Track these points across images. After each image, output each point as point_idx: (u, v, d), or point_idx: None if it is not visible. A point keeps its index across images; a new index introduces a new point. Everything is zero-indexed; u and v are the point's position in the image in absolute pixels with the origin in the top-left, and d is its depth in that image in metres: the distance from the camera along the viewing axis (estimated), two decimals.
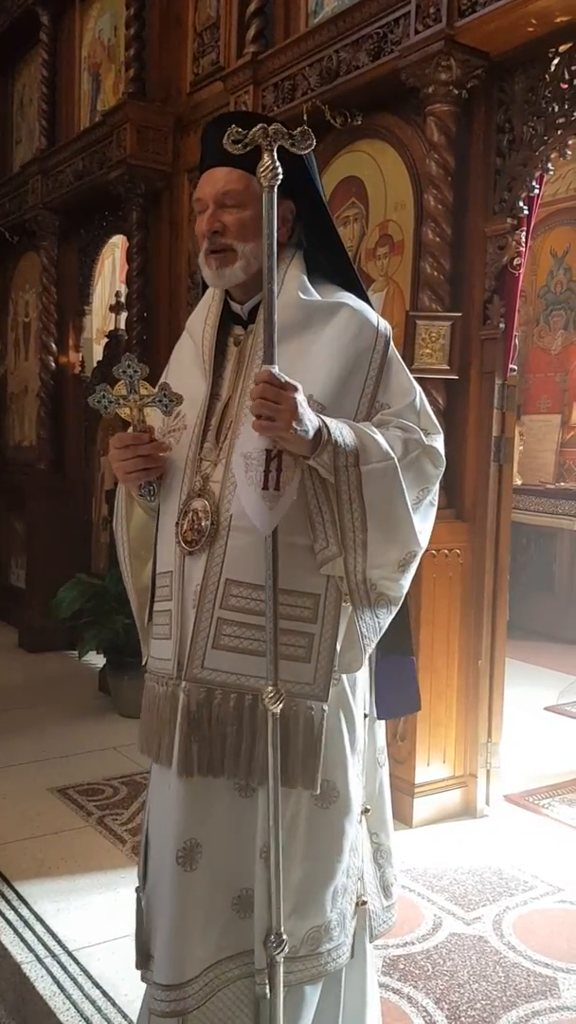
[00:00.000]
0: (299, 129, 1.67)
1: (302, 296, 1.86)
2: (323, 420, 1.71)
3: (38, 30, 6.60)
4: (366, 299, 1.96)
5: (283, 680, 1.73)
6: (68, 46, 6.52)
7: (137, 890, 1.92)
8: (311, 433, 1.68)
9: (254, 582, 1.76)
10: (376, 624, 1.83)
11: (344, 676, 1.86)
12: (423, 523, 1.85)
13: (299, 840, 1.82)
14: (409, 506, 1.79)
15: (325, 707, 1.80)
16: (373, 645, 1.84)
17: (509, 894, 3.19)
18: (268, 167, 1.65)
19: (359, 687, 1.92)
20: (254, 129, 1.65)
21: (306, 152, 1.69)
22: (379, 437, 1.77)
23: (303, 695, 1.78)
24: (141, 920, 1.90)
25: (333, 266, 1.96)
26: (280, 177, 1.66)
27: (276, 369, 1.66)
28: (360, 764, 1.93)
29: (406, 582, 1.86)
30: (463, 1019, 2.49)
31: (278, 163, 1.66)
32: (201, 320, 2.01)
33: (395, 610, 1.86)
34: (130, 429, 1.87)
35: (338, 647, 1.82)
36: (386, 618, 1.85)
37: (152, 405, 1.85)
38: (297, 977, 1.82)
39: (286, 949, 1.75)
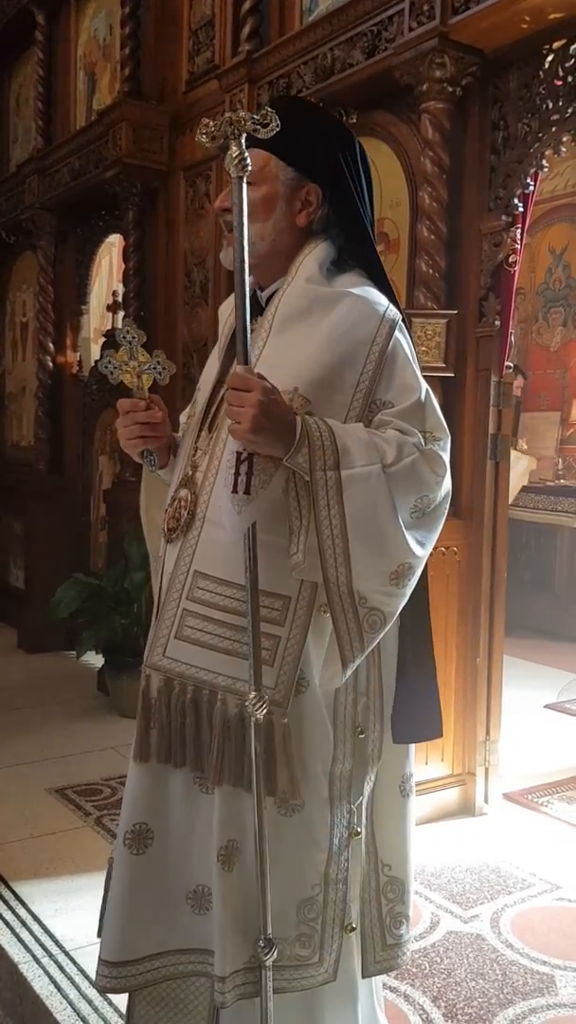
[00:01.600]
0: (260, 112, 1.63)
1: (307, 284, 1.81)
2: (304, 419, 1.65)
3: (33, 29, 6.58)
4: (391, 292, 1.87)
5: (242, 680, 1.70)
6: (64, 45, 6.51)
7: (110, 860, 1.93)
8: (282, 433, 1.62)
9: (221, 577, 1.74)
10: (361, 637, 1.71)
11: (318, 687, 1.78)
12: (425, 533, 1.75)
13: (249, 845, 1.75)
14: (399, 515, 1.68)
15: (285, 715, 1.72)
16: (358, 661, 1.74)
17: (507, 892, 3.19)
18: (235, 157, 1.62)
19: (343, 699, 1.83)
20: (220, 120, 1.62)
21: (269, 135, 1.63)
22: (368, 440, 1.69)
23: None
24: (107, 890, 1.92)
25: (359, 257, 1.88)
26: (248, 167, 1.62)
27: (244, 369, 1.62)
28: (347, 782, 1.84)
29: (403, 596, 1.75)
30: (460, 1017, 2.49)
31: (246, 153, 1.62)
32: (229, 306, 1.98)
33: (388, 626, 1.76)
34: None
35: (313, 655, 1.77)
36: (376, 634, 1.73)
37: (147, 372, 1.86)
38: (254, 989, 1.76)
39: (275, 954, 1.73)
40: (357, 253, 1.88)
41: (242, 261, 1.62)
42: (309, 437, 1.64)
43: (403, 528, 1.69)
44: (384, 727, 1.90)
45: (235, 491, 1.63)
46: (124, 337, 1.85)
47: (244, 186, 1.63)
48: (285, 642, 1.72)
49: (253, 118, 1.62)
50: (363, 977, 1.93)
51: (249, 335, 1.64)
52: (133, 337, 1.85)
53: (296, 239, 1.87)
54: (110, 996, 2.52)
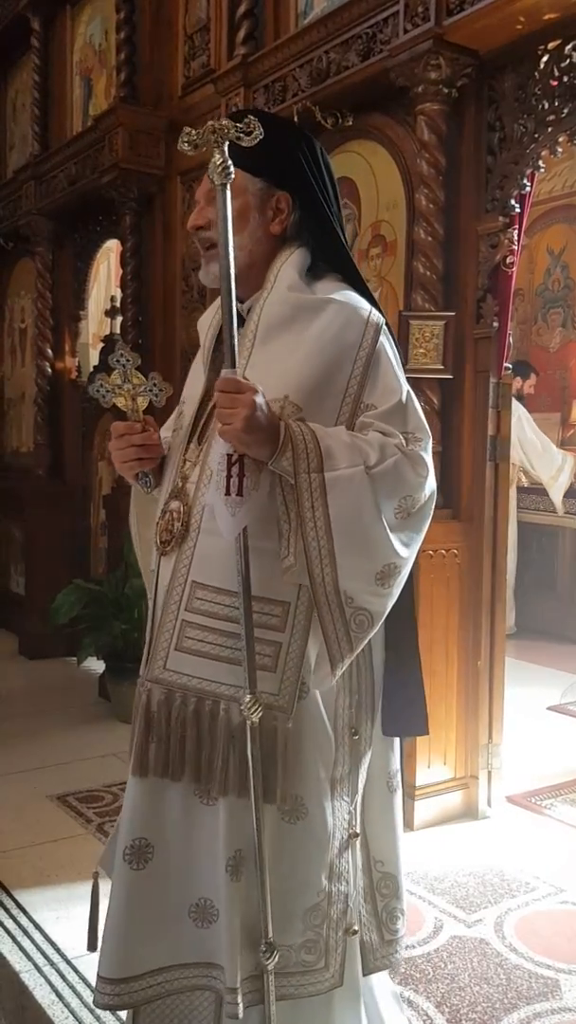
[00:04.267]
0: (244, 120, 1.64)
1: (288, 293, 1.82)
2: (286, 423, 1.68)
3: (29, 36, 6.58)
4: (369, 294, 1.90)
5: (245, 688, 1.70)
6: (59, 51, 6.51)
7: (95, 873, 1.94)
8: (270, 436, 1.64)
9: (219, 586, 1.74)
10: (349, 637, 1.73)
11: (317, 691, 1.79)
12: (410, 533, 1.76)
13: (264, 853, 1.75)
14: (383, 515, 1.70)
15: (290, 720, 1.74)
16: (347, 662, 1.75)
17: (511, 896, 3.18)
18: (218, 165, 1.63)
19: (340, 701, 1.84)
20: (203, 127, 1.63)
21: (253, 143, 1.64)
22: (350, 443, 1.71)
23: (267, 705, 1.72)
24: (95, 901, 1.94)
25: (334, 260, 1.91)
26: (231, 175, 1.63)
27: (236, 374, 1.63)
28: (346, 784, 1.85)
29: (389, 595, 1.76)
30: (464, 1022, 2.47)
31: (229, 161, 1.63)
32: (208, 319, 2.01)
33: (376, 626, 1.77)
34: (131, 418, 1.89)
35: (313, 659, 1.77)
36: (364, 633, 1.75)
37: (143, 394, 1.86)
38: (262, 995, 1.77)
39: (277, 958, 1.73)
40: (330, 257, 1.91)
41: (228, 268, 1.64)
42: (292, 441, 1.66)
43: (387, 528, 1.71)
44: (373, 724, 1.91)
45: (228, 493, 1.64)
46: (118, 360, 1.85)
47: (228, 193, 1.65)
48: (287, 648, 1.74)
49: (236, 126, 1.64)
50: (364, 975, 1.93)
51: (236, 342, 1.65)
52: (128, 360, 1.85)
53: (271, 248, 1.89)
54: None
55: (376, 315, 1.83)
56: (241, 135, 1.63)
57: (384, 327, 1.84)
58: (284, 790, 1.74)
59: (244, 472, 1.65)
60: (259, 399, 1.63)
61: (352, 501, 1.68)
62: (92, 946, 1.97)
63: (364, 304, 1.84)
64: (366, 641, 1.77)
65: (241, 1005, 1.73)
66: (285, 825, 1.78)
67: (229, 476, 1.64)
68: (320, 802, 1.80)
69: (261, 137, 1.65)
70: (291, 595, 1.74)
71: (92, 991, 2.54)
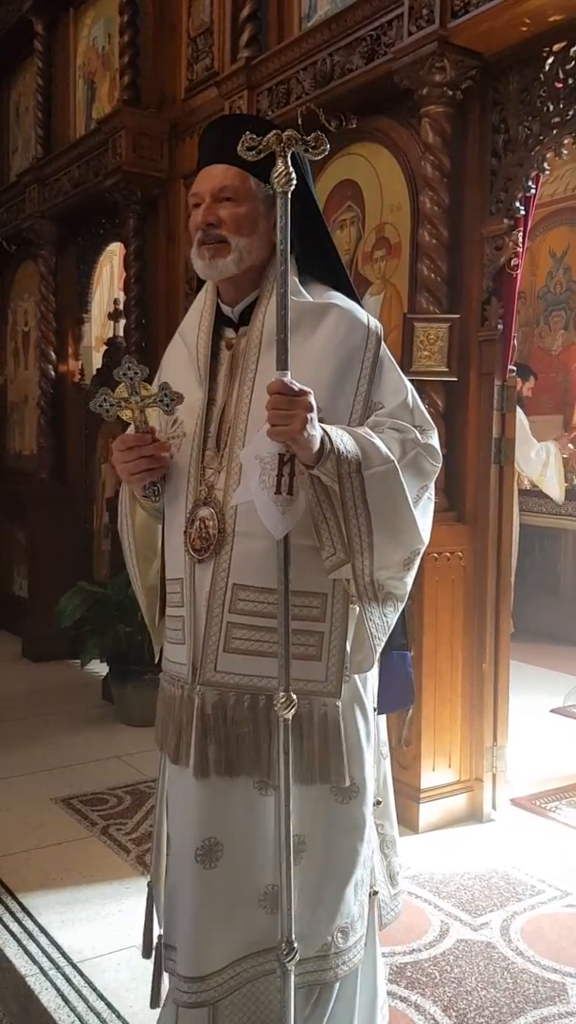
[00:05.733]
0: (313, 135, 1.69)
1: (292, 298, 1.83)
2: (324, 429, 1.72)
3: (32, 39, 6.60)
4: (357, 300, 1.98)
5: (296, 679, 1.77)
6: (62, 54, 6.52)
7: (149, 884, 2.04)
8: (317, 441, 1.70)
9: (261, 585, 1.81)
10: (384, 623, 1.85)
11: (353, 677, 1.89)
12: (424, 520, 1.88)
13: (319, 837, 1.87)
14: (412, 506, 1.82)
15: (339, 703, 1.84)
16: (383, 643, 1.86)
17: (516, 899, 3.17)
18: (282, 173, 1.68)
19: (370, 682, 1.96)
20: (268, 136, 1.67)
21: (319, 157, 1.71)
22: (377, 441, 1.79)
23: (317, 692, 1.83)
24: (151, 912, 2.03)
25: (324, 267, 1.98)
26: (294, 183, 1.68)
27: (288, 376, 1.67)
28: (373, 757, 1.97)
29: (410, 579, 1.89)
30: None
31: (292, 170, 1.68)
32: (194, 325, 2.03)
33: (401, 607, 1.89)
34: (130, 430, 1.88)
35: (348, 647, 1.86)
36: (393, 616, 1.87)
37: (154, 405, 1.86)
38: (329, 975, 1.89)
39: (297, 957, 1.78)
40: (323, 263, 1.98)
41: (284, 275, 1.69)
42: (335, 445, 1.73)
43: (415, 517, 1.83)
44: (378, 700, 2.04)
45: (279, 492, 1.71)
46: (125, 374, 1.84)
47: (289, 201, 1.69)
48: (329, 636, 1.84)
49: (304, 139, 1.69)
50: (380, 929, 2.07)
51: (289, 344, 1.69)
52: (136, 373, 1.84)
53: (268, 254, 1.93)
54: (118, 1008, 2.51)
55: (373, 320, 1.94)
56: (308, 148, 1.69)
57: (381, 331, 1.95)
58: (351, 772, 1.86)
59: (294, 472, 1.72)
60: (314, 401, 1.68)
61: (388, 496, 1.78)
62: (147, 953, 2.06)
63: (360, 309, 1.95)
64: (395, 622, 1.89)
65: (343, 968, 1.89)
66: (337, 806, 1.88)
67: (280, 475, 1.71)
68: (367, 778, 1.92)
69: (326, 153, 1.71)
70: (327, 586, 1.84)
71: (98, 996, 2.57)
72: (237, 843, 1.86)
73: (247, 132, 1.69)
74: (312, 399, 1.68)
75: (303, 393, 1.67)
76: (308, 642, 1.82)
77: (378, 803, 2.01)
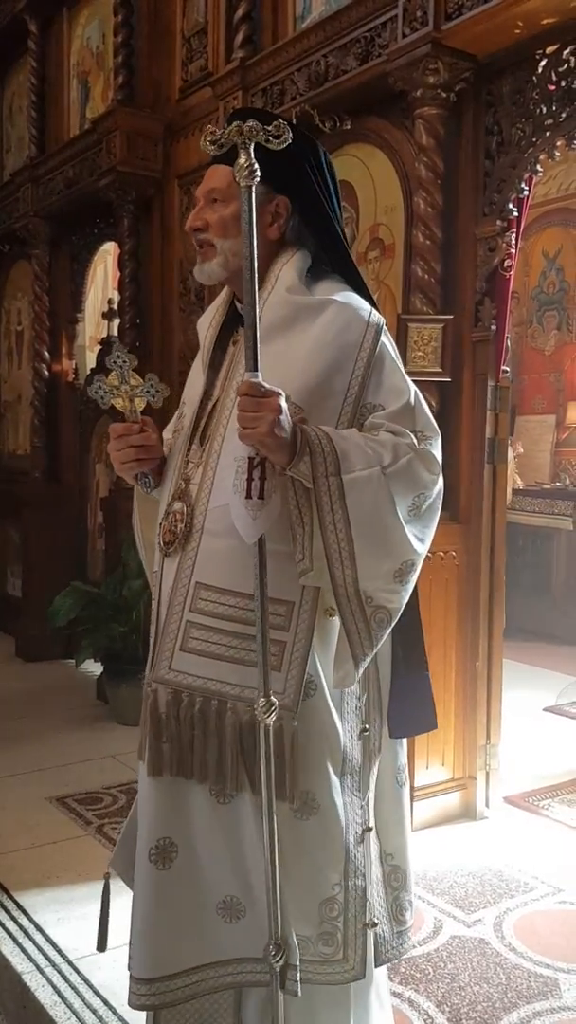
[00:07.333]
0: (274, 124, 1.63)
1: (288, 295, 1.83)
2: (300, 428, 1.67)
3: (26, 38, 6.59)
4: (369, 296, 1.91)
5: (250, 687, 1.71)
6: (57, 54, 6.52)
7: (106, 875, 1.98)
8: (289, 440, 1.64)
9: (223, 586, 1.76)
10: (371, 636, 1.75)
11: (325, 687, 1.80)
12: (423, 530, 1.78)
13: (275, 853, 1.77)
14: (400, 515, 1.72)
15: (295, 718, 1.75)
16: (368, 659, 1.77)
17: (509, 895, 3.19)
18: (244, 166, 1.61)
19: (349, 699, 1.86)
20: (229, 127, 1.61)
21: (281, 147, 1.63)
22: (364, 444, 1.72)
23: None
24: (106, 903, 2.00)
25: (334, 263, 1.91)
26: (257, 176, 1.61)
27: (259, 377, 1.62)
28: (357, 779, 1.87)
29: (406, 592, 1.79)
30: (464, 1021, 2.49)
31: (254, 162, 1.61)
32: (208, 319, 2.02)
33: (394, 622, 1.79)
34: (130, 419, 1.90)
35: (328, 659, 1.79)
36: (383, 631, 1.77)
37: (140, 395, 1.87)
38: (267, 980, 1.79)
39: (283, 960, 1.74)
40: (331, 259, 1.91)
41: (251, 271, 1.62)
42: (310, 445, 1.66)
43: (404, 526, 1.73)
44: (383, 720, 1.93)
45: (249, 496, 1.63)
46: (115, 362, 1.85)
47: (253, 195, 1.63)
48: (291, 646, 1.74)
49: (265, 128, 1.62)
50: (376, 966, 1.95)
51: (258, 345, 1.64)
52: (124, 361, 1.85)
53: (269, 251, 1.88)
54: (114, 1005, 2.52)
55: (376, 316, 1.84)
56: (270, 139, 1.62)
57: (383, 327, 1.85)
58: (292, 787, 1.75)
59: (266, 475, 1.64)
60: (283, 403, 1.63)
61: (370, 502, 1.69)
62: (102, 947, 2.00)
63: (364, 305, 1.85)
64: (385, 637, 1.79)
65: (299, 982, 1.77)
66: (297, 821, 1.79)
67: (250, 479, 1.63)
68: (331, 797, 1.81)
69: (289, 142, 1.64)
70: (295, 594, 1.76)
71: (95, 993, 2.58)
72: (193, 847, 1.81)
73: (208, 127, 1.64)
74: (282, 401, 1.62)
75: (271, 394, 1.61)
76: (269, 651, 1.72)
77: (369, 829, 1.88)
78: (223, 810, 1.79)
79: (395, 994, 2.59)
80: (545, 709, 5.36)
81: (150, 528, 2.01)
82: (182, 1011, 1.87)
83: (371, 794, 1.91)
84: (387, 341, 1.85)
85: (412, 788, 3.67)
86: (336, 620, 1.79)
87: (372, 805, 1.91)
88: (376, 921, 1.90)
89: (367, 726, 1.89)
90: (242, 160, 1.61)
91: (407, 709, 1.95)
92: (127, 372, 1.86)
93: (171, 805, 1.81)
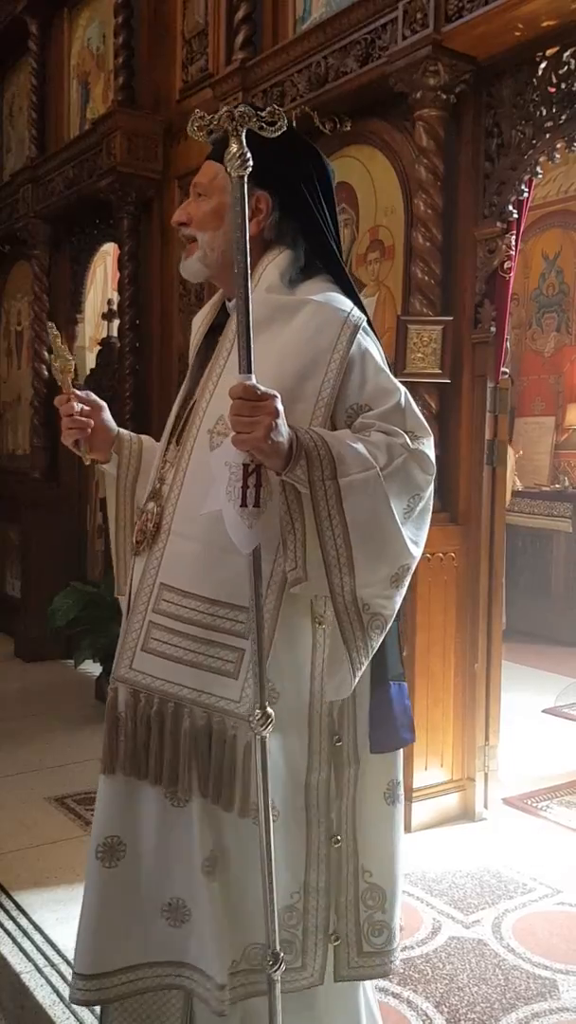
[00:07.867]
0: (267, 109, 1.55)
1: (267, 294, 1.78)
2: (294, 431, 1.61)
3: (26, 39, 6.60)
4: (354, 295, 1.84)
5: (207, 692, 1.70)
6: (57, 55, 6.53)
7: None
8: (284, 446, 1.57)
9: (186, 589, 1.74)
10: (368, 645, 1.72)
11: (284, 696, 1.75)
12: (417, 532, 1.74)
13: (229, 855, 1.76)
14: (397, 517, 1.67)
15: (250, 730, 1.69)
16: (364, 667, 1.75)
17: (508, 897, 3.19)
18: (235, 155, 1.52)
19: (319, 708, 1.79)
20: (219, 113, 1.53)
21: (276, 134, 1.54)
22: (359, 446, 1.65)
23: (226, 712, 1.71)
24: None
25: (321, 261, 1.85)
26: (250, 165, 1.53)
27: (253, 379, 1.55)
28: (326, 791, 1.81)
29: (399, 597, 1.75)
30: (463, 1023, 2.49)
31: (247, 150, 1.52)
32: (200, 318, 2.01)
33: (387, 628, 1.76)
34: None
35: (293, 665, 1.76)
36: (378, 638, 1.74)
37: (56, 367, 1.92)
38: (238, 993, 1.76)
39: (283, 967, 1.71)
40: (320, 255, 1.87)
41: (243, 267, 1.56)
42: (305, 448, 1.61)
43: (401, 530, 1.68)
44: (359, 731, 1.85)
45: (244, 504, 1.57)
46: (48, 332, 1.91)
47: (245, 185, 1.55)
48: (250, 654, 1.68)
49: (258, 114, 1.55)
50: (335, 981, 1.86)
51: (252, 345, 1.58)
52: (55, 335, 1.89)
53: (251, 248, 1.78)
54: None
55: (356, 315, 1.78)
56: (264, 125, 1.53)
57: (365, 327, 1.79)
58: (243, 797, 1.72)
59: (261, 482, 1.58)
60: (280, 406, 1.56)
61: (368, 506, 1.64)
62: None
63: (344, 304, 1.78)
64: (379, 643, 1.76)
65: (228, 1002, 1.73)
66: (255, 828, 1.72)
67: (246, 487, 1.56)
68: (291, 807, 1.78)
69: (284, 128, 1.55)
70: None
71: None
72: (142, 847, 1.79)
73: (197, 110, 1.55)
74: (279, 403, 1.54)
75: (268, 397, 1.53)
76: (226, 657, 1.70)
77: (337, 842, 1.82)
78: (175, 813, 1.76)
79: (393, 995, 2.59)
80: (544, 711, 5.36)
81: (117, 507, 2.04)
82: (127, 1007, 1.86)
83: (344, 804, 1.84)
84: (368, 340, 1.79)
85: (411, 789, 3.68)
86: (304, 627, 1.76)
87: (346, 817, 1.85)
88: (339, 937, 1.84)
89: (339, 736, 1.82)
90: (233, 148, 1.53)
91: (381, 722, 1.87)
92: (58, 346, 1.89)
93: (122, 804, 1.79)
